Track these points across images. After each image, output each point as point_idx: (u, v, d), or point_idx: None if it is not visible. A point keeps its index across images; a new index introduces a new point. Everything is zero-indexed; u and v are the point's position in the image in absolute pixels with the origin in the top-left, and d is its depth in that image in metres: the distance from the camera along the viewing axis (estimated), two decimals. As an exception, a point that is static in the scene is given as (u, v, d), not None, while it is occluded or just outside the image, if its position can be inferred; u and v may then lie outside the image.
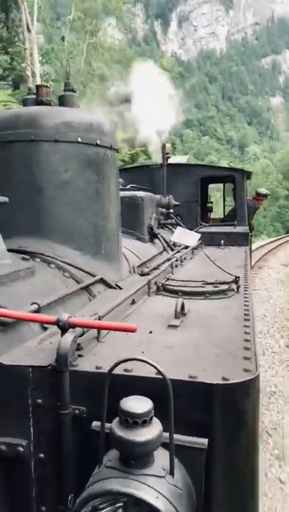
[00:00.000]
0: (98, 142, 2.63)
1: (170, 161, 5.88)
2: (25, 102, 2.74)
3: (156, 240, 4.37)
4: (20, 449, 1.29)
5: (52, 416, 1.28)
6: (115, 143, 2.84)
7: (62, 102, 2.77)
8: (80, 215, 2.54)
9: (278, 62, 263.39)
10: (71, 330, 1.37)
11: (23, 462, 1.31)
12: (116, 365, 1.08)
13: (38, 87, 2.79)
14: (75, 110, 2.69)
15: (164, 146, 5.64)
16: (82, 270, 2.37)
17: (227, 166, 7.17)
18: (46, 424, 1.29)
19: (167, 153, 5.78)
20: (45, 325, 1.68)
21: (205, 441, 1.16)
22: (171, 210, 5.27)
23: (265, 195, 8.28)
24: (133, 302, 2.14)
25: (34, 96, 2.73)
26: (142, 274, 2.90)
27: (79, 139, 2.53)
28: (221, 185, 7.75)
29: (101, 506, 1.04)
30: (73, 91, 2.88)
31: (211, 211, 6.90)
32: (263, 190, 8.36)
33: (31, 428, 1.30)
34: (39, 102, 2.70)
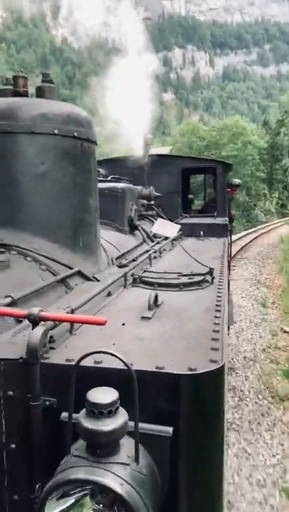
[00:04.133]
0: (75, 134, 2.62)
1: (151, 152, 5.88)
2: (1, 93, 2.70)
3: (137, 232, 4.39)
4: None
5: (23, 407, 1.30)
6: (93, 135, 2.84)
7: (40, 93, 2.74)
8: (57, 208, 2.54)
9: (169, 59, 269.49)
10: (42, 323, 1.39)
11: None
12: (83, 357, 1.11)
13: (15, 77, 2.75)
14: (52, 102, 2.66)
15: (145, 138, 5.62)
16: (59, 263, 2.38)
17: (208, 157, 7.22)
18: (17, 415, 1.32)
19: (149, 145, 5.77)
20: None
21: (170, 429, 1.21)
22: (152, 202, 5.29)
23: (238, 185, 8.32)
24: (109, 294, 2.16)
25: (11, 86, 2.70)
26: (120, 266, 2.92)
27: (56, 131, 2.52)
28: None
29: (69, 493, 1.08)
30: (51, 82, 2.86)
31: (192, 202, 6.95)
32: (236, 181, 8.39)
33: (3, 419, 1.33)
34: (16, 93, 2.67)
